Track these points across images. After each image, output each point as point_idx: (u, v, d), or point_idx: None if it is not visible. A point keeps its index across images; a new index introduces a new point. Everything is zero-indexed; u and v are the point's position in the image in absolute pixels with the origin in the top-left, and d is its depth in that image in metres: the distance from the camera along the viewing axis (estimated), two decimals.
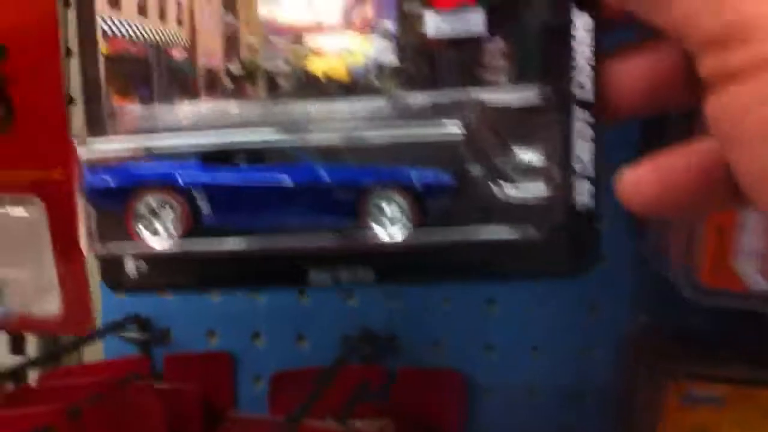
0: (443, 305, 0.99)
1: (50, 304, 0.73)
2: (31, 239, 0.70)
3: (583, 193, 0.49)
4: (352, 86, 0.51)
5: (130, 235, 0.51)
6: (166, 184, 0.50)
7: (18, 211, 0.70)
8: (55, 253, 0.71)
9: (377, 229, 0.50)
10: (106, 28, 0.51)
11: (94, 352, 1.06)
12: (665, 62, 0.46)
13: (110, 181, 0.50)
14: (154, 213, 0.50)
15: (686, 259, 0.79)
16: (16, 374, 0.87)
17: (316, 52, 0.51)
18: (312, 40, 0.51)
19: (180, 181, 0.50)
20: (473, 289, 0.99)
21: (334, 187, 0.50)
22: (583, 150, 0.49)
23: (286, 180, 0.50)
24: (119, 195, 0.50)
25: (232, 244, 0.50)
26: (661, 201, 0.44)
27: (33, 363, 0.89)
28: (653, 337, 0.93)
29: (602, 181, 0.49)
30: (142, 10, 0.51)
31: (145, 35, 0.51)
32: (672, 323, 0.93)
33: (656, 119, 0.68)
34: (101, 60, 0.51)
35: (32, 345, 1.06)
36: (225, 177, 0.50)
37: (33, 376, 0.97)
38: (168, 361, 1.03)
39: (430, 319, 0.99)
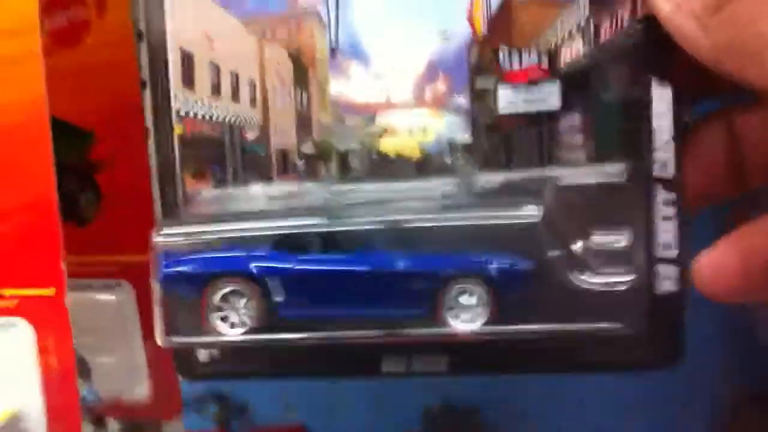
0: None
1: (139, 389, 0.75)
2: (120, 324, 0.73)
3: (667, 279, 0.49)
4: (424, 165, 0.53)
5: (203, 326, 0.52)
6: (240, 272, 0.51)
7: (107, 297, 0.73)
8: (143, 338, 0.74)
9: (452, 320, 0.50)
10: (180, 108, 0.53)
11: (174, 427, 1.10)
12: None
13: (185, 270, 0.52)
14: (228, 302, 0.52)
15: None
16: None
17: (388, 131, 0.53)
18: (384, 118, 0.53)
19: (254, 270, 0.51)
20: None
21: (410, 276, 0.50)
22: (666, 231, 0.48)
23: (360, 268, 0.50)
24: (193, 284, 0.52)
25: (306, 336, 0.51)
26: (745, 288, 0.42)
27: None
28: (752, 407, 0.91)
29: (688, 264, 0.48)
30: (216, 90, 0.54)
31: (219, 115, 0.54)
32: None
33: None
34: (176, 141, 0.53)
35: (114, 423, 1.10)
36: (299, 264, 0.51)
37: None
38: None
39: (513, 388, 0.99)
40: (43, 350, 0.54)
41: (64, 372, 0.54)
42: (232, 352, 0.54)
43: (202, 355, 0.55)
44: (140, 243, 0.62)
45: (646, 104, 0.48)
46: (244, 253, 0.52)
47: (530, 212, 0.49)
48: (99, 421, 0.97)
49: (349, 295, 0.51)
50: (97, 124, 0.67)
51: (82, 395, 0.55)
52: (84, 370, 0.69)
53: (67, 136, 0.66)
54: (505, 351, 0.52)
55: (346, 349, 0.53)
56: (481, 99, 0.52)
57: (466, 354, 0.53)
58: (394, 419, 1.03)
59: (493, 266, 0.50)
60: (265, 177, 0.54)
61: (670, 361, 0.50)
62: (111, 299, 0.72)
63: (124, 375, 0.73)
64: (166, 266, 0.52)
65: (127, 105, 0.65)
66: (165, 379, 0.75)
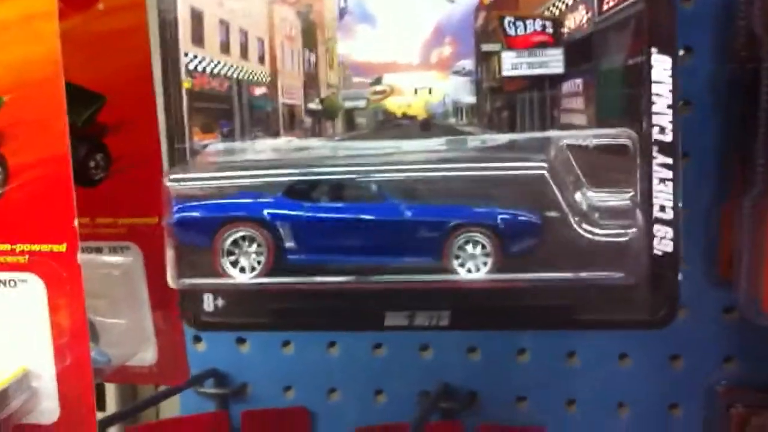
0: (522, 358, 0.99)
1: (146, 353, 0.76)
2: (128, 287, 0.73)
3: (663, 238, 0.50)
4: (429, 124, 0.53)
5: (215, 270, 0.53)
6: (252, 218, 0.53)
7: (115, 259, 0.74)
8: (151, 301, 0.75)
9: (458, 268, 0.51)
10: (189, 63, 0.54)
11: (171, 407, 1.10)
12: None
13: (197, 215, 0.53)
14: (238, 247, 0.53)
15: None
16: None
17: (395, 91, 0.53)
18: (390, 79, 0.54)
19: (266, 215, 0.53)
20: (552, 342, 0.99)
21: (418, 225, 0.51)
22: (663, 193, 0.50)
23: (369, 216, 0.52)
24: (206, 228, 0.53)
25: (314, 280, 0.52)
26: None
27: (112, 419, 0.92)
28: (745, 390, 0.91)
29: (681, 225, 0.50)
30: (225, 48, 0.54)
31: (228, 72, 0.54)
32: (763, 376, 0.92)
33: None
34: (184, 95, 0.54)
35: (111, 399, 1.10)
36: (309, 212, 0.52)
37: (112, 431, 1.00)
38: (245, 417, 1.06)
39: (508, 373, 0.99)
40: (54, 307, 0.54)
41: (75, 329, 0.54)
42: (237, 302, 0.55)
43: (207, 304, 0.55)
44: (149, 206, 0.63)
45: (646, 71, 0.49)
46: (255, 200, 0.53)
47: (536, 166, 0.50)
48: (98, 401, 0.97)
49: (357, 242, 0.52)
50: (108, 88, 0.68)
51: (92, 357, 0.55)
52: (92, 333, 0.69)
53: (79, 99, 0.66)
54: (506, 306, 0.53)
55: (350, 303, 0.54)
56: (487, 62, 0.53)
57: (467, 309, 0.54)
58: (392, 401, 1.03)
59: (499, 217, 0.51)
60: (272, 132, 0.55)
61: (665, 320, 0.51)
62: (119, 261, 0.72)
63: (132, 339, 0.73)
64: (179, 211, 0.53)
65: (137, 69, 0.65)
66: (172, 344, 0.75)
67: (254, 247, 0.53)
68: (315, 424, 1.06)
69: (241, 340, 1.05)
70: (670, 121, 0.49)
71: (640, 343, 0.95)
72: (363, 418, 1.03)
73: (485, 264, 0.51)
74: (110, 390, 1.10)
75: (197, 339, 1.04)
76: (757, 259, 0.79)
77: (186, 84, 0.54)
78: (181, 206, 0.53)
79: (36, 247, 0.54)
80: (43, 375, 0.55)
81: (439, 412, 1.00)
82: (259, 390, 1.07)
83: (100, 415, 0.96)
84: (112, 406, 1.09)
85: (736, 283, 0.84)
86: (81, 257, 0.53)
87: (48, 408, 0.55)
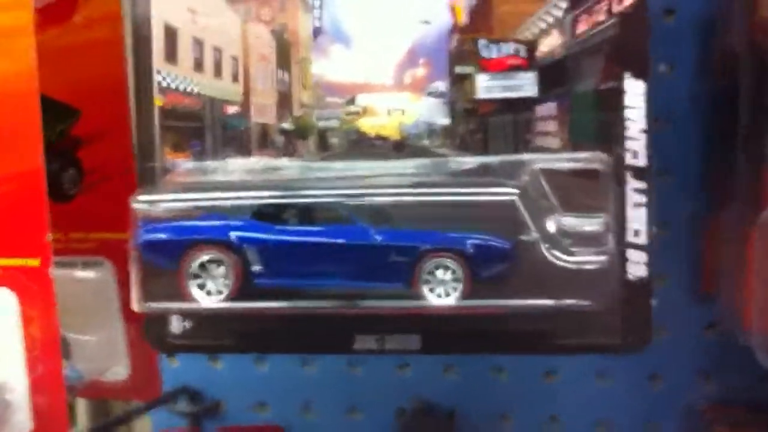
0: (501, 376, 0.98)
1: (118, 369, 0.75)
2: (100, 302, 0.72)
3: (636, 264, 0.50)
4: (402, 146, 0.53)
5: (181, 293, 0.52)
6: (219, 241, 0.52)
7: (87, 274, 0.73)
8: (124, 316, 0.74)
9: (428, 294, 0.51)
10: (162, 81, 0.53)
11: (143, 425, 1.08)
12: None
13: (164, 237, 0.52)
14: (205, 270, 0.52)
15: None
16: None
17: (368, 111, 0.53)
18: (364, 99, 0.53)
19: (233, 238, 0.52)
20: (532, 360, 0.98)
21: (387, 250, 0.51)
22: (637, 218, 0.49)
23: (338, 241, 0.51)
24: (172, 251, 0.52)
25: (282, 305, 0.52)
26: None
27: None
28: (725, 409, 0.91)
29: (654, 250, 0.49)
30: (199, 66, 0.54)
31: (200, 90, 0.54)
32: (745, 393, 0.91)
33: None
34: (156, 112, 0.54)
35: (83, 415, 1.08)
36: (277, 235, 0.52)
37: None
38: None
39: (487, 392, 0.98)
40: (26, 320, 0.54)
41: (48, 343, 0.54)
42: (204, 324, 0.54)
43: (175, 326, 0.55)
44: (120, 221, 0.62)
45: (619, 95, 0.49)
46: (223, 222, 0.52)
47: (507, 192, 0.50)
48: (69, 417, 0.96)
49: (325, 266, 0.51)
50: (82, 99, 0.67)
51: (64, 373, 0.55)
52: (65, 349, 0.68)
53: (53, 113, 0.65)
54: (479, 330, 0.53)
55: (319, 325, 0.53)
56: (460, 84, 0.52)
57: (439, 333, 0.53)
58: (368, 418, 1.02)
59: (469, 242, 0.50)
60: (244, 151, 0.54)
61: (639, 344, 0.51)
62: (91, 276, 0.72)
63: (104, 354, 0.73)
64: (145, 232, 0.52)
65: (112, 81, 0.65)
66: (144, 360, 0.74)
67: (221, 270, 0.52)
68: None
69: (214, 357, 1.04)
70: (643, 146, 0.49)
71: (621, 361, 0.94)
72: None
73: (455, 290, 0.51)
74: (81, 406, 1.08)
75: (170, 355, 1.03)
76: (739, 275, 0.79)
77: (158, 102, 0.53)
78: (147, 228, 0.52)
79: (9, 262, 0.53)
80: (16, 387, 0.55)
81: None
82: (233, 407, 1.06)
83: None
84: (83, 421, 1.08)
85: (717, 299, 0.84)
86: (54, 272, 0.53)
87: (20, 420, 0.55)
